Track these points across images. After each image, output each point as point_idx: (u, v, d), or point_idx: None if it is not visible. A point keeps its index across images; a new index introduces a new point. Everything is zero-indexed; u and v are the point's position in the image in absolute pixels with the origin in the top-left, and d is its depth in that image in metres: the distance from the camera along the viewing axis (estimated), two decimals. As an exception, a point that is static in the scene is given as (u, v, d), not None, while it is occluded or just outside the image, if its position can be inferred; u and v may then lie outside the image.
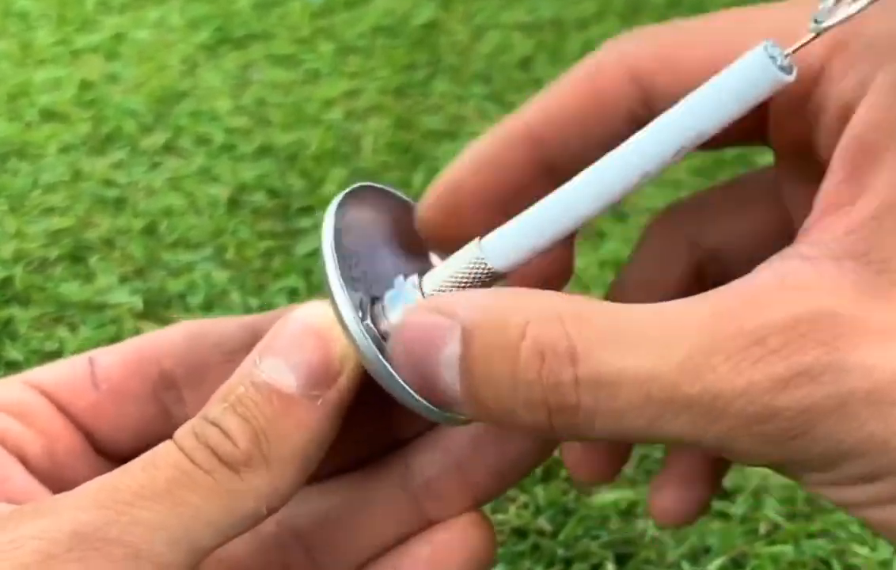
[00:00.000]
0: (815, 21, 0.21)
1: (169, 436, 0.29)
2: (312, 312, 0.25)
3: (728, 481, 0.42)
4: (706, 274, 0.29)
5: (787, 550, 0.39)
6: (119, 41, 0.81)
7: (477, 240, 0.25)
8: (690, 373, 0.21)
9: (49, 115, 0.70)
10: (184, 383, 0.29)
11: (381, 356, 0.25)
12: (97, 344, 0.47)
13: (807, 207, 0.23)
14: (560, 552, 0.40)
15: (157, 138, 0.68)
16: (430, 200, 0.26)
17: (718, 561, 0.39)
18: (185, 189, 0.62)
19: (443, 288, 0.25)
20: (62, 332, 0.51)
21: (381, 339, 0.25)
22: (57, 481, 0.27)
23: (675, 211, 0.29)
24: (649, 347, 0.21)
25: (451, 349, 0.23)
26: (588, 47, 0.75)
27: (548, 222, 0.24)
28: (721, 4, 0.26)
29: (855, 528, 0.40)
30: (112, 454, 0.29)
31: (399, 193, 0.28)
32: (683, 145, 0.23)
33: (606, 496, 0.42)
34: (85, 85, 0.74)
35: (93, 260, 0.56)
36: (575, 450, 0.27)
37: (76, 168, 0.64)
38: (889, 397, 0.21)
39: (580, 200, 0.23)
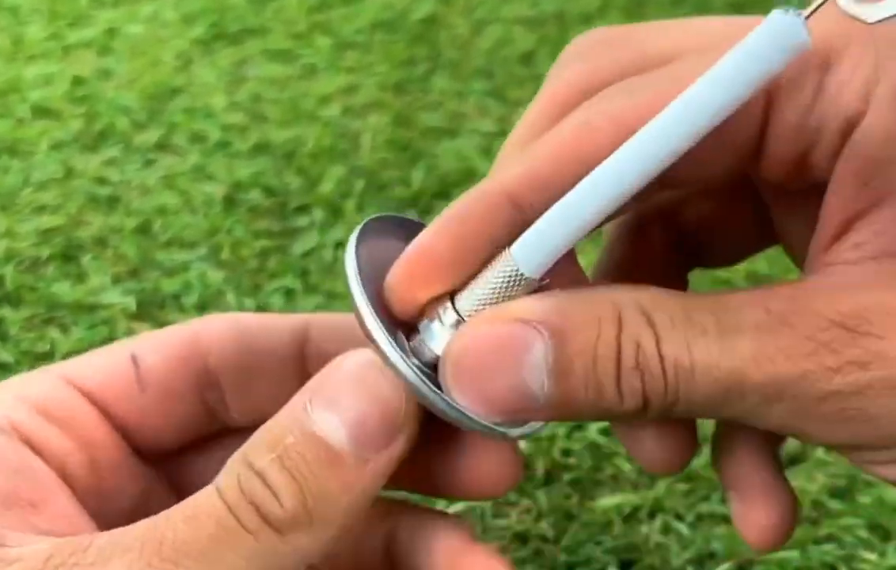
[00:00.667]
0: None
1: (210, 434, 0.29)
2: (366, 361, 0.24)
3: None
4: (684, 248, 0.30)
5: (793, 555, 0.39)
6: (112, 36, 0.81)
7: (508, 250, 0.24)
8: (753, 364, 0.22)
9: (40, 111, 0.70)
10: (228, 385, 0.29)
11: (437, 391, 0.24)
12: (90, 346, 0.47)
13: (797, 224, 0.25)
14: (562, 557, 0.40)
15: (151, 135, 0.68)
16: (401, 270, 0.25)
17: (724, 567, 0.39)
18: (179, 187, 0.62)
19: (481, 305, 0.25)
20: (54, 333, 0.51)
21: (429, 371, 0.25)
22: (96, 495, 0.27)
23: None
24: (717, 340, 0.23)
25: (537, 354, 0.23)
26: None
27: (575, 218, 0.24)
28: (724, 2, 0.26)
29: (862, 533, 0.40)
30: (151, 453, 0.29)
31: (414, 219, 0.28)
32: (713, 118, 0.22)
33: (609, 501, 0.42)
34: (77, 81, 0.74)
35: (85, 259, 0.56)
36: (645, 443, 0.27)
37: (68, 166, 0.64)
38: None
39: (611, 194, 0.23)
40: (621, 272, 0.29)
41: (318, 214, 0.59)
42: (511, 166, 0.25)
